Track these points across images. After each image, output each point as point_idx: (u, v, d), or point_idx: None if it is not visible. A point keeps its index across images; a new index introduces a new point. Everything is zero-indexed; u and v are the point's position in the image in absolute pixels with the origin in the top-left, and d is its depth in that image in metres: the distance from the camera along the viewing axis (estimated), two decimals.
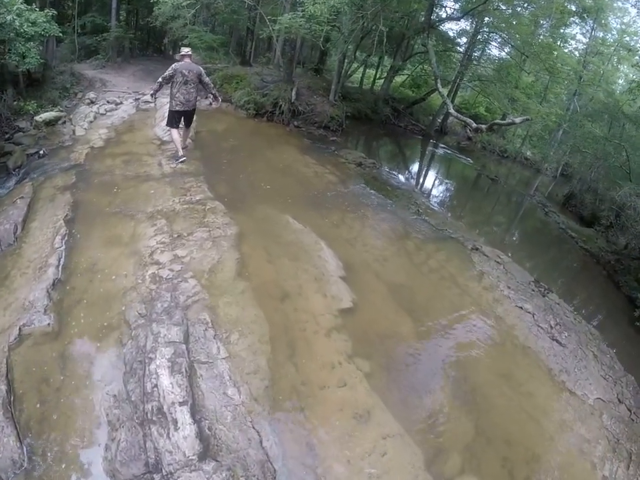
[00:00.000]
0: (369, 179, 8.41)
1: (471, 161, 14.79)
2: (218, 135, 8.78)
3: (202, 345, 3.23)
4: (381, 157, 12.28)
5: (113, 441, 2.59)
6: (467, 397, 3.61)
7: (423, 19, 12.28)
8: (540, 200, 12.18)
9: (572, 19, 13.75)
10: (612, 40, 16.62)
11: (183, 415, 2.66)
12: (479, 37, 15.48)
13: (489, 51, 16.88)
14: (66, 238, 4.36)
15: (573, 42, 16.96)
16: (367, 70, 18.24)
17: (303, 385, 3.19)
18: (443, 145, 15.89)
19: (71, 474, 2.46)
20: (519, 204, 12.08)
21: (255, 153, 8.18)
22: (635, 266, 7.77)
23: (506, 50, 14.92)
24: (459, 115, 9.49)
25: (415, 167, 12.99)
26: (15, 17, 6.93)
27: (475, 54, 16.41)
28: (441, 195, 11.12)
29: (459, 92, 18.38)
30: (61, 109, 8.78)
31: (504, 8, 12.12)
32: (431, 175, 12.70)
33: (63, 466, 2.48)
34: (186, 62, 6.26)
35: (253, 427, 2.75)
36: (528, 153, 18.26)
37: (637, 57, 13.65)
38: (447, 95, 11.33)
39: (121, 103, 9.78)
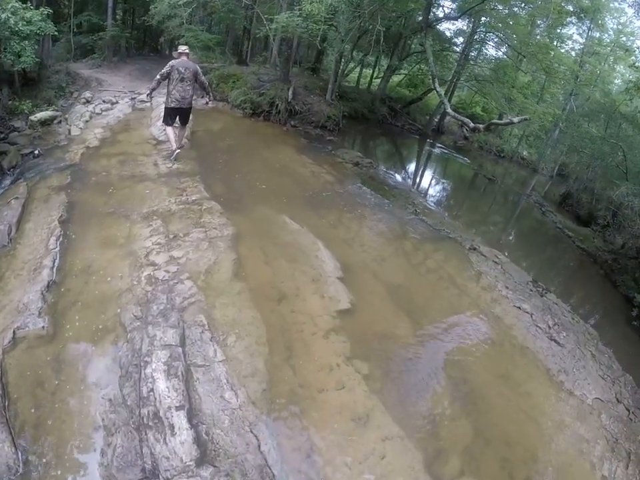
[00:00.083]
0: (366, 179, 8.39)
1: (468, 161, 14.81)
2: (214, 134, 8.74)
3: (198, 347, 3.20)
4: (378, 156, 12.27)
5: (109, 446, 2.55)
6: (466, 397, 3.59)
7: (420, 18, 12.28)
8: (537, 199, 12.21)
9: (569, 19, 13.78)
10: (608, 40, 16.66)
11: (179, 419, 2.63)
12: (476, 36, 15.52)
13: (485, 51, 16.96)
14: (61, 239, 4.31)
15: (569, 42, 17.01)
16: (364, 69, 18.24)
17: (301, 387, 3.16)
18: (439, 145, 15.91)
19: None
20: (516, 203, 12.10)
21: (252, 152, 8.15)
22: (632, 265, 7.80)
23: (503, 50, 14.96)
24: (457, 115, 9.47)
25: (411, 167, 12.98)
26: (9, 15, 6.86)
27: (472, 54, 16.47)
28: (438, 194, 11.12)
29: (455, 91, 18.40)
30: (57, 108, 8.71)
31: (501, 8, 12.13)
32: (428, 174, 12.71)
33: (59, 472, 2.44)
34: (183, 59, 6.29)
35: (251, 431, 2.72)
36: (524, 153, 18.32)
37: (633, 57, 13.67)
38: (444, 95, 11.32)
39: (117, 102, 9.74)
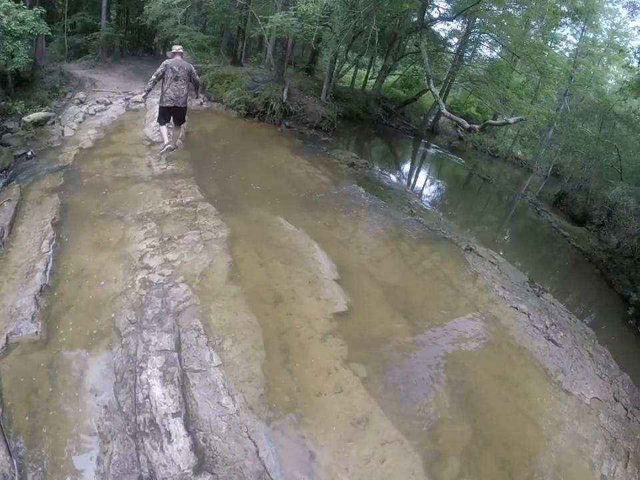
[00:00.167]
0: (362, 180, 8.37)
1: (463, 161, 14.84)
2: (209, 135, 8.69)
3: (194, 352, 3.16)
4: (373, 157, 12.26)
5: (105, 454, 2.51)
6: (464, 399, 3.58)
7: (415, 19, 12.28)
8: (531, 199, 12.25)
9: (563, 19, 13.82)
10: (602, 41, 16.76)
11: (176, 426, 2.59)
12: (471, 37, 15.56)
13: (480, 52, 16.99)
14: (54, 242, 4.26)
15: (563, 43, 17.07)
16: (359, 70, 18.25)
17: (298, 391, 3.13)
18: (434, 145, 15.93)
19: None
20: (511, 203, 12.14)
21: (246, 153, 8.11)
22: (627, 264, 7.83)
23: (497, 50, 15.00)
24: (452, 115, 9.47)
25: (407, 167, 13.00)
26: (2, 15, 6.78)
27: (467, 54, 16.49)
28: (434, 194, 11.12)
29: (450, 92, 18.45)
30: (50, 109, 8.62)
31: (495, 9, 12.16)
32: (423, 174, 12.72)
33: None
34: (177, 59, 6.27)
35: (249, 437, 2.68)
36: (519, 153, 18.40)
37: (627, 58, 13.74)
38: (439, 95, 11.32)
39: (111, 103, 9.65)
